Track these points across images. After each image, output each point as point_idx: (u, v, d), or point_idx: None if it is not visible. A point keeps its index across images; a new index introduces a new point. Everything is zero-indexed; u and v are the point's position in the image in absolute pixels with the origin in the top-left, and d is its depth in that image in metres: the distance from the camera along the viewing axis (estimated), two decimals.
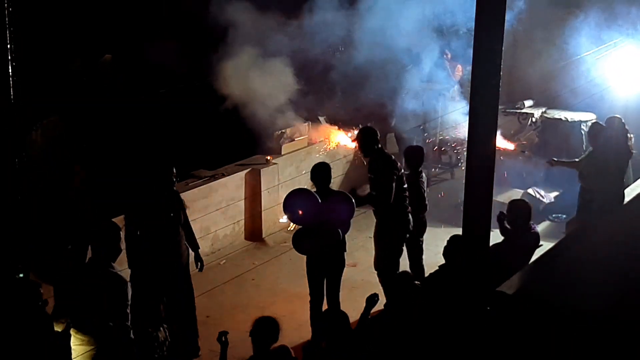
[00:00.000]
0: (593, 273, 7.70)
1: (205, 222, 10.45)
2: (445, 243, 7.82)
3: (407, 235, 9.33)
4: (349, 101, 13.01)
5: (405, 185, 9.22)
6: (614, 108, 11.57)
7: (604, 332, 6.82)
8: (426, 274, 8.86)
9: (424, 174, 9.79)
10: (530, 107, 13.41)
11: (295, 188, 8.68)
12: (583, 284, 7.38)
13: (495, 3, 6.33)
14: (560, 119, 12.99)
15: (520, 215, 8.31)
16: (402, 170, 9.25)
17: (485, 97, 6.44)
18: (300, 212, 8.16)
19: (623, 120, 10.00)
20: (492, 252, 8.13)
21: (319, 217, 8.17)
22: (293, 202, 8.26)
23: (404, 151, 10.01)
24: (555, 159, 10.63)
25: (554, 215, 11.97)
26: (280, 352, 6.55)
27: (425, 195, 9.70)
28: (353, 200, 8.35)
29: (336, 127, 11.74)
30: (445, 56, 14.04)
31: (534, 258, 8.36)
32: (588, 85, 12.37)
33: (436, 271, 7.65)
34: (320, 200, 8.24)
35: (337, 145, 11.82)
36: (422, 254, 9.79)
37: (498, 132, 11.48)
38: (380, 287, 8.99)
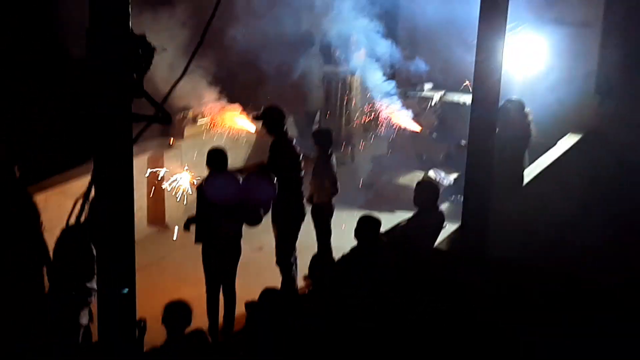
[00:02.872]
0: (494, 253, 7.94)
1: None
2: (349, 225, 7.94)
3: (302, 220, 9.39)
4: (252, 83, 12.96)
5: (302, 172, 9.28)
6: (511, 92, 11.81)
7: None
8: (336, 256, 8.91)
9: (334, 157, 9.83)
10: (429, 90, 13.59)
11: (212, 169, 8.59)
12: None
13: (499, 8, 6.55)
14: (459, 102, 13.21)
15: (427, 195, 8.41)
16: (301, 156, 9.30)
17: (487, 93, 6.69)
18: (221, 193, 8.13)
19: (522, 103, 10.21)
20: (399, 231, 8.32)
21: (240, 197, 8.15)
22: (213, 183, 8.20)
23: (312, 133, 10.06)
24: (463, 142, 10.77)
25: (453, 197, 12.19)
26: (195, 336, 6.48)
27: (337, 177, 9.74)
28: (274, 180, 8.35)
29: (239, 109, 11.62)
30: (351, 39, 14.09)
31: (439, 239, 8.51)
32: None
33: (349, 252, 7.69)
34: (240, 181, 8.22)
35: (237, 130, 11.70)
36: (330, 236, 9.86)
37: (406, 113, 11.75)
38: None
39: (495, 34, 6.88)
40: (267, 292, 6.76)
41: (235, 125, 10.77)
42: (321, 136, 9.82)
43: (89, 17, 4.48)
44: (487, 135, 7.09)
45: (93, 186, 4.83)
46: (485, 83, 6.91)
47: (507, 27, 12.54)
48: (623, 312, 7.01)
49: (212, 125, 11.94)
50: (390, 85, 12.47)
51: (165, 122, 4.92)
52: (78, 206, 5.35)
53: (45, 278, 7.58)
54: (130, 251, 4.97)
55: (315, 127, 13.26)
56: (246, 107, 11.34)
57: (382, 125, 12.48)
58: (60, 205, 9.23)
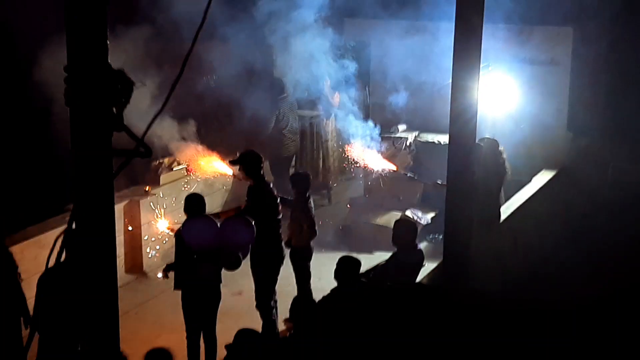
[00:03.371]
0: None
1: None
2: (328, 267, 7.96)
3: (281, 264, 9.40)
4: (225, 130, 12.99)
5: (280, 216, 9.30)
6: (484, 130, 11.93)
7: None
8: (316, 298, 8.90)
9: (311, 200, 9.85)
10: (403, 131, 13.68)
11: (189, 214, 8.58)
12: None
13: (473, 42, 6.62)
14: (433, 142, 13.31)
15: (406, 234, 8.44)
16: (278, 200, 9.33)
17: (463, 131, 6.74)
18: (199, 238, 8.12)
19: (495, 141, 10.32)
20: (379, 271, 8.33)
21: (218, 241, 8.14)
22: (191, 227, 8.20)
23: (290, 177, 10.11)
24: (440, 181, 10.81)
25: (431, 236, 12.22)
26: None
27: (314, 221, 9.76)
28: (253, 224, 8.35)
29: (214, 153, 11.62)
30: (325, 83, 14.22)
31: (419, 278, 8.53)
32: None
33: (330, 293, 7.69)
34: (218, 226, 8.23)
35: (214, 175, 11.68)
36: (309, 279, 9.85)
37: (379, 154, 11.81)
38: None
39: (469, 72, 6.96)
40: (243, 332, 6.74)
41: (211, 169, 10.77)
42: (299, 180, 9.85)
43: (67, 54, 4.48)
44: (465, 172, 7.14)
45: (72, 226, 4.80)
46: (461, 121, 6.99)
47: (480, 66, 12.85)
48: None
49: (188, 171, 11.96)
50: (365, 128, 12.56)
51: (146, 155, 4.88)
52: (57, 248, 5.30)
53: (23, 330, 7.49)
54: (114, 292, 4.93)
55: (292, 171, 13.29)
56: (221, 151, 11.35)
57: (357, 167, 12.55)
58: (36, 256, 9.19)
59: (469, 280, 7.57)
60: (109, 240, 4.81)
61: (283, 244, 9.54)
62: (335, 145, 14.01)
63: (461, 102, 7.02)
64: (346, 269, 7.76)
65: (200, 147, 11.25)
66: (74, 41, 4.44)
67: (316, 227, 9.81)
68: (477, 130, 11.86)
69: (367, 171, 12.60)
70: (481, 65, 12.74)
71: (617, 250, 10.29)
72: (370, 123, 12.25)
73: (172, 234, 9.29)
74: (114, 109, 4.63)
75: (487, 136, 10.70)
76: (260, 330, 9.10)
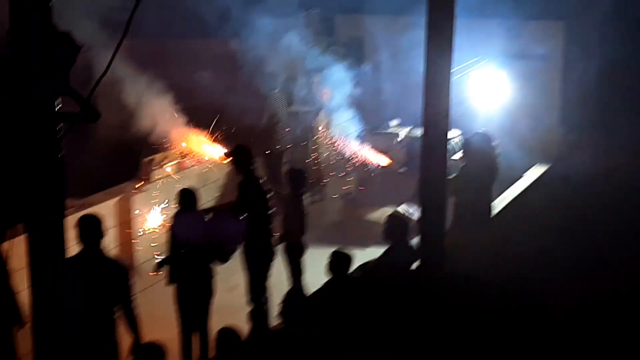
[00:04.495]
0: (468, 286, 7.96)
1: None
2: (321, 262, 7.95)
3: (273, 259, 9.41)
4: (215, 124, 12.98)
5: (271, 211, 9.28)
6: (477, 125, 11.93)
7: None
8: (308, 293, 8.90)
9: (304, 196, 9.82)
10: (396, 126, 13.69)
11: (180, 209, 8.57)
12: (459, 295, 7.59)
13: (445, 31, 6.60)
14: None
15: (396, 229, 8.40)
16: (269, 195, 9.31)
17: (438, 126, 6.74)
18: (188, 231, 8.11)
19: (489, 135, 10.31)
20: (371, 266, 8.31)
21: (207, 235, 8.13)
22: (180, 222, 8.19)
23: (286, 173, 10.09)
24: None
25: None
26: None
27: (306, 217, 9.74)
28: (242, 218, 8.34)
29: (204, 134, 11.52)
30: (314, 79, 14.23)
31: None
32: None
33: (321, 288, 7.68)
34: (208, 219, 8.22)
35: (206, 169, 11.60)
36: (301, 274, 9.84)
37: (370, 148, 11.81)
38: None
39: (441, 67, 6.89)
40: (223, 331, 6.75)
41: (202, 152, 10.70)
42: (295, 176, 9.83)
43: (9, 16, 4.36)
44: (438, 163, 7.11)
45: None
46: (433, 114, 6.94)
47: (471, 62, 12.87)
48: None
49: (180, 167, 11.94)
50: (356, 124, 12.57)
51: (92, 119, 4.79)
52: None
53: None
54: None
55: (285, 166, 13.28)
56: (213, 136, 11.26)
57: (350, 162, 12.55)
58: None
59: (445, 266, 7.54)
60: (59, 207, 4.69)
61: (276, 239, 9.53)
62: (326, 141, 14.00)
63: (434, 97, 6.95)
64: (338, 263, 7.75)
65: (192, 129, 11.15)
66: (16, 2, 4.31)
67: (307, 224, 9.78)
68: (470, 126, 12.04)
69: (359, 167, 12.61)
70: (473, 61, 12.94)
71: (611, 243, 10.28)
72: (361, 118, 12.25)
73: (163, 228, 9.29)
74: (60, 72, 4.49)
75: (481, 130, 10.67)
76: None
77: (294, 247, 9.75)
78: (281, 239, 9.72)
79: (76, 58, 4.63)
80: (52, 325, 4.94)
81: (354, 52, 14.75)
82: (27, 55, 4.32)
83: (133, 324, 7.31)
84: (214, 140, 10.40)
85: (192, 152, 10.98)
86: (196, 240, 8.22)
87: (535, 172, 13.03)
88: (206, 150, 10.44)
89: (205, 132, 10.46)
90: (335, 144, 12.70)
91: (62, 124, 4.68)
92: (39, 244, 4.74)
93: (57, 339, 4.94)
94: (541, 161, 13.30)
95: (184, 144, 10.61)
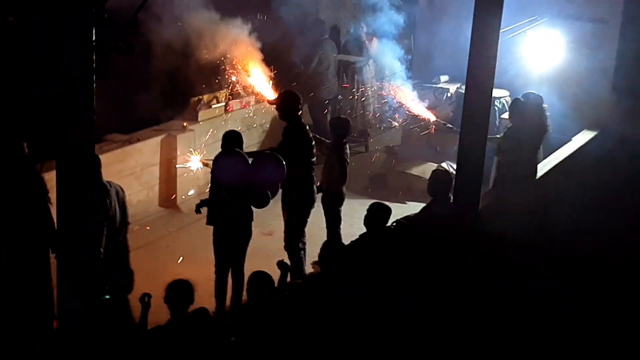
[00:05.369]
0: (509, 246, 7.94)
1: None
2: (360, 214, 7.99)
3: (312, 206, 9.39)
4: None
5: (314, 159, 9.27)
6: (528, 86, 11.76)
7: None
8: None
9: (347, 146, 9.79)
10: (446, 82, 13.54)
11: (224, 150, 8.58)
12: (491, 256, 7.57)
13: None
14: None
15: (441, 184, 8.38)
16: (313, 142, 9.29)
17: (482, 85, 6.69)
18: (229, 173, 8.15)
19: (540, 97, 10.16)
20: (410, 221, 8.30)
21: (248, 178, 8.16)
22: (221, 163, 8.22)
23: (329, 121, 10.06)
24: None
25: None
26: (199, 315, 6.48)
27: (347, 167, 9.71)
28: (284, 163, 8.34)
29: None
30: (362, 29, 14.11)
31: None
32: (503, 62, 12.58)
33: (359, 239, 7.71)
34: (249, 162, 8.24)
35: (258, 95, 11.45)
36: (340, 224, 9.85)
37: (420, 103, 11.70)
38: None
39: (489, 27, 6.79)
40: (256, 275, 6.82)
41: (254, 87, 10.60)
42: (339, 124, 9.78)
43: None
44: (480, 122, 7.03)
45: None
46: (479, 72, 6.84)
47: (527, 21, 12.64)
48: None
49: (227, 109, 11.94)
50: (406, 76, 12.46)
51: (128, 51, 4.76)
52: None
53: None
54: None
55: (329, 115, 13.25)
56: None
57: (395, 115, 12.46)
58: None
59: (479, 224, 7.50)
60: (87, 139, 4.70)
61: (315, 187, 9.53)
62: (373, 92, 13.91)
63: (479, 55, 6.84)
64: (376, 215, 7.76)
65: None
66: None
67: (347, 173, 9.72)
68: (521, 85, 11.86)
69: (405, 120, 12.51)
70: (529, 20, 12.70)
71: None
72: (411, 71, 12.11)
73: (205, 168, 9.31)
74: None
75: (532, 91, 10.51)
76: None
77: (334, 197, 9.74)
78: (321, 187, 9.72)
79: None
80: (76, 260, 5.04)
81: (409, 3, 14.57)
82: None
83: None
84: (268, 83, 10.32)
85: (248, 88, 10.86)
86: (237, 183, 8.24)
87: (584, 137, 12.83)
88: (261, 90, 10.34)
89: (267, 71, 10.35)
90: (383, 96, 12.60)
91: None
92: (67, 178, 4.79)
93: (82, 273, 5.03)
94: (591, 126, 13.08)
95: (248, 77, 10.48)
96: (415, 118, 11.78)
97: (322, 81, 13.31)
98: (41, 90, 5.38)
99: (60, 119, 4.74)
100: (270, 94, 10.03)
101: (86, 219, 4.95)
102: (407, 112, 11.76)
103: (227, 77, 11.18)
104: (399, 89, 11.73)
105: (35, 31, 7.72)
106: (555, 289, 7.18)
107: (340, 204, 9.80)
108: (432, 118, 11.31)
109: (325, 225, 9.91)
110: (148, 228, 10.67)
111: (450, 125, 11.01)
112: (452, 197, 8.42)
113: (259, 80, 10.24)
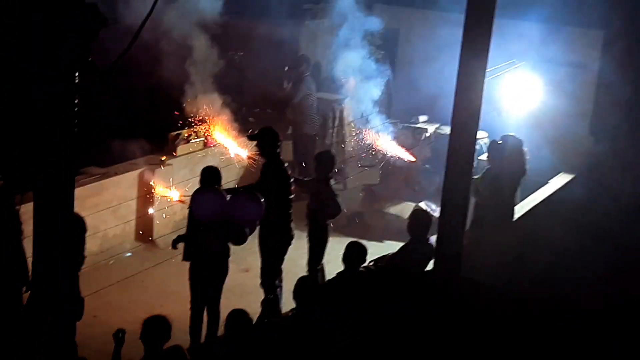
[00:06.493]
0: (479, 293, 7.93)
1: (95, 220, 10.17)
2: (338, 252, 8.00)
3: (289, 244, 9.38)
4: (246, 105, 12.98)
5: (292, 196, 9.26)
6: (506, 128, 11.83)
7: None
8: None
9: (332, 181, 9.78)
10: (424, 122, 13.61)
11: (201, 186, 8.56)
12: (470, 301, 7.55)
13: (483, 33, 6.57)
14: None
15: (421, 224, 8.39)
16: (292, 180, 9.29)
17: (467, 126, 6.72)
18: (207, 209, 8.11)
19: (520, 140, 10.21)
20: (387, 260, 8.30)
21: (226, 215, 8.13)
22: (199, 199, 8.19)
23: (315, 155, 10.05)
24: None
25: None
26: (173, 352, 6.41)
27: (337, 199, 9.67)
28: (262, 200, 8.32)
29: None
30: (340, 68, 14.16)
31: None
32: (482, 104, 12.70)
33: (335, 277, 7.70)
34: (227, 198, 8.21)
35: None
36: (321, 260, 9.82)
37: (399, 145, 11.74)
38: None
39: (476, 67, 6.84)
40: (234, 313, 6.77)
41: (225, 144, 10.69)
42: (325, 158, 9.80)
43: None
44: (464, 164, 7.05)
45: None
46: (464, 114, 6.88)
47: (505, 64, 12.75)
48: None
49: (206, 144, 11.93)
50: (381, 116, 12.50)
51: (108, 93, 4.76)
52: None
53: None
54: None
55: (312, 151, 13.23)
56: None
57: (374, 154, 12.48)
58: None
59: (461, 272, 7.50)
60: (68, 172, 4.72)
61: (307, 219, 9.49)
62: (351, 131, 13.94)
63: (465, 95, 6.89)
64: (353, 254, 7.78)
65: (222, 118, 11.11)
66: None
67: (340, 205, 9.69)
68: (501, 128, 11.92)
69: (383, 160, 12.54)
70: (507, 63, 12.82)
71: (626, 259, 10.15)
72: (390, 111, 12.15)
73: (183, 204, 9.29)
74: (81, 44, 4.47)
75: (511, 134, 10.57)
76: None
77: (322, 230, 9.70)
78: (312, 220, 9.67)
79: (99, 31, 4.58)
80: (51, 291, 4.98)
81: (390, 44, 14.67)
82: (52, 24, 4.30)
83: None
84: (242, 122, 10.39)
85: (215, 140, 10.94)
86: (214, 219, 8.21)
87: (561, 180, 12.92)
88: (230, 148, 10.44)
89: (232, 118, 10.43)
90: (361, 135, 12.63)
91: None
92: (44, 209, 4.77)
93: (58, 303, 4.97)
94: (568, 169, 13.18)
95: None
96: (393, 158, 11.82)
97: (307, 117, 13.34)
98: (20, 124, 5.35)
99: (39, 150, 4.72)
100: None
101: (62, 255, 4.89)
102: (384, 152, 11.79)
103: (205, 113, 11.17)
104: (375, 132, 11.77)
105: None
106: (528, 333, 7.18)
107: (326, 238, 9.74)
108: (411, 159, 11.35)
109: (303, 262, 9.86)
110: (112, 262, 10.56)
111: (427, 167, 11.05)
112: (429, 238, 8.43)
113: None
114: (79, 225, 7.50)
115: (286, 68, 13.45)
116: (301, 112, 13.31)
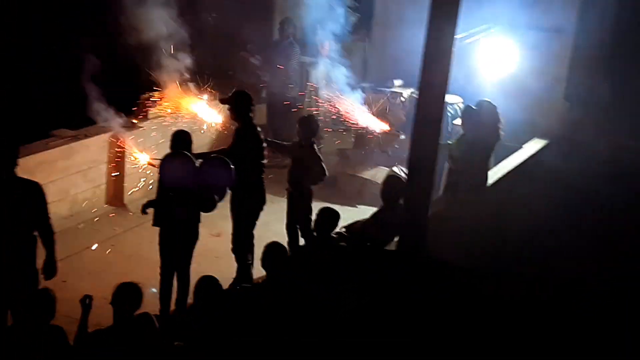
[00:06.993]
0: (458, 250, 7.92)
1: (65, 184, 10.07)
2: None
3: (262, 209, 9.31)
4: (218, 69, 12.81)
5: (265, 160, 9.16)
6: (481, 93, 11.78)
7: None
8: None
9: (315, 145, 9.68)
10: (399, 86, 13.50)
11: (172, 151, 8.42)
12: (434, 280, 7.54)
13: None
14: None
15: (392, 191, 8.34)
16: (264, 144, 9.18)
17: (434, 90, 6.62)
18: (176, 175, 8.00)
19: (494, 106, 10.15)
20: (361, 227, 8.26)
21: (194, 182, 8.02)
22: (168, 164, 8.08)
23: (298, 120, 9.94)
24: None
25: None
26: (143, 320, 6.35)
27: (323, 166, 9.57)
28: (232, 167, 8.22)
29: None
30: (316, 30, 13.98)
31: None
32: (456, 68, 12.59)
33: (307, 243, 7.67)
34: (197, 165, 8.11)
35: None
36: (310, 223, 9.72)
37: (371, 113, 11.64)
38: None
39: (444, 32, 6.75)
40: (204, 279, 6.71)
41: (195, 112, 10.55)
42: (308, 122, 9.69)
43: None
44: (432, 128, 6.98)
45: None
46: (432, 78, 6.80)
47: (480, 28, 12.66)
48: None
49: (176, 105, 11.77)
50: (353, 81, 12.39)
51: None
52: None
53: None
54: None
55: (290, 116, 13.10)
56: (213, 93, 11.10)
57: (348, 119, 12.37)
58: None
59: (427, 245, 7.45)
60: None
61: (265, 188, 9.41)
62: (325, 94, 13.79)
63: (433, 60, 6.79)
64: (325, 220, 7.74)
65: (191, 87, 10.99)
66: None
67: (325, 172, 9.62)
68: (475, 93, 11.87)
69: (357, 124, 12.44)
70: (482, 27, 12.72)
71: (613, 225, 10.15)
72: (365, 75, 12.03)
73: (154, 168, 9.14)
74: None
75: (486, 99, 10.50)
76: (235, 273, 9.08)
77: (304, 195, 9.61)
78: (295, 186, 9.58)
79: None
80: None
81: (365, 6, 14.51)
82: None
83: (50, 243, 7.23)
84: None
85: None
86: (184, 185, 8.10)
87: (534, 146, 12.90)
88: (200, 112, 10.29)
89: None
90: (335, 99, 12.50)
91: None
92: None
93: None
94: (542, 135, 13.16)
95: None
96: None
97: (288, 81, 13.20)
98: None
99: None
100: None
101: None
102: (358, 119, 11.69)
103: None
104: (351, 94, 11.65)
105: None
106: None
107: (310, 202, 9.65)
108: (384, 127, 11.28)
109: (276, 227, 9.79)
110: (81, 226, 10.45)
111: (401, 132, 10.98)
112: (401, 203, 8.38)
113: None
114: (32, 191, 7.18)
115: (248, 45, 13.27)
116: (283, 76, 13.13)
